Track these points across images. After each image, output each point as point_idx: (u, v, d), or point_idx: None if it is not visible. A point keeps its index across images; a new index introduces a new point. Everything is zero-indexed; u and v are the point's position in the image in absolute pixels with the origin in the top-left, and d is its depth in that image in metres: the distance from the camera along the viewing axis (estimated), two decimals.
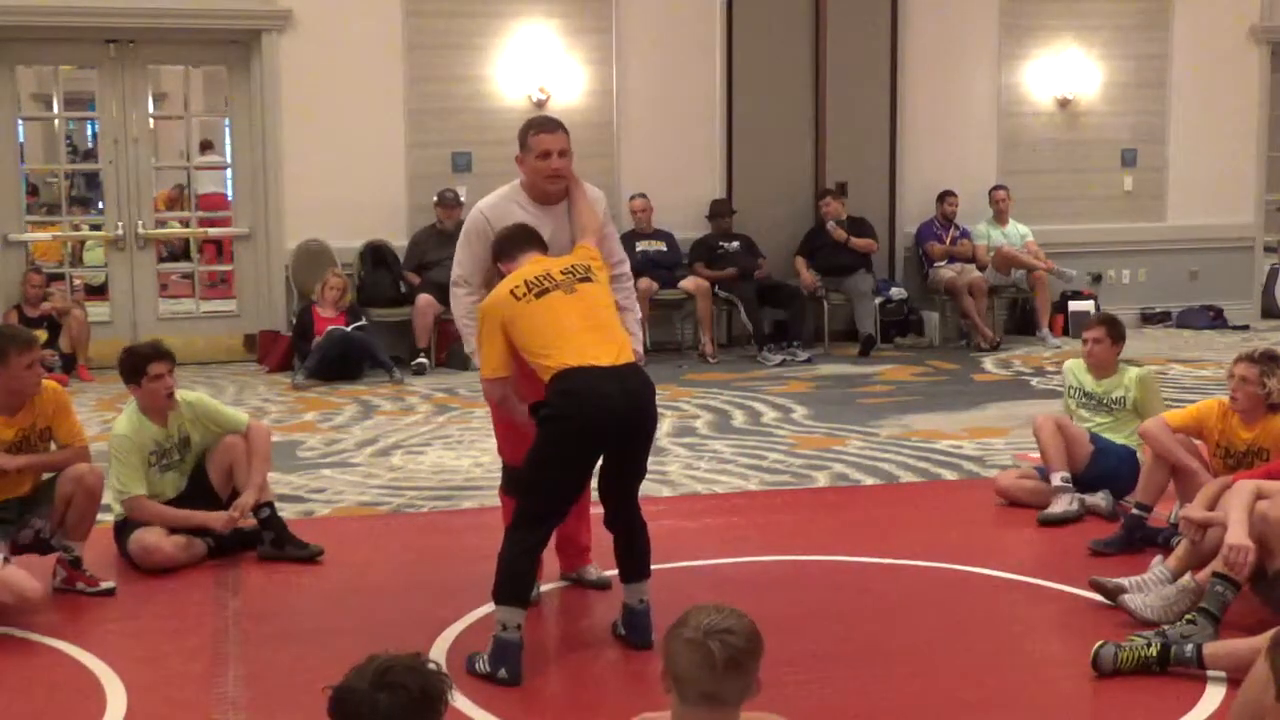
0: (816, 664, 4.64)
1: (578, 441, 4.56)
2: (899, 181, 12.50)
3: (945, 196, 12.33)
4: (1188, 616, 4.70)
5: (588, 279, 4.75)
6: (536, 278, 4.69)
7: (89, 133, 17.45)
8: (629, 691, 4.49)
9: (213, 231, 13.26)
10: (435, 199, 11.20)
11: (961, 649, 4.85)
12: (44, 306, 10.64)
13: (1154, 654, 4.47)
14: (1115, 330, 6.62)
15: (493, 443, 5.65)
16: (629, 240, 10.44)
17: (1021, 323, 12.70)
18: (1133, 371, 6.65)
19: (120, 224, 11.39)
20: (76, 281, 12.54)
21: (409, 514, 6.81)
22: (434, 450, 8.11)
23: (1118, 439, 6.49)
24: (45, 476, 5.63)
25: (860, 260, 11.94)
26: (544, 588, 5.34)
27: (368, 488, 7.26)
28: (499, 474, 5.50)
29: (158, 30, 11.17)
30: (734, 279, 11.57)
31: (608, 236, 5.25)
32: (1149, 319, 13.25)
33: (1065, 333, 12.49)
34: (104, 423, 8.34)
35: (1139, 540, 5.83)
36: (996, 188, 12.54)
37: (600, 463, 4.71)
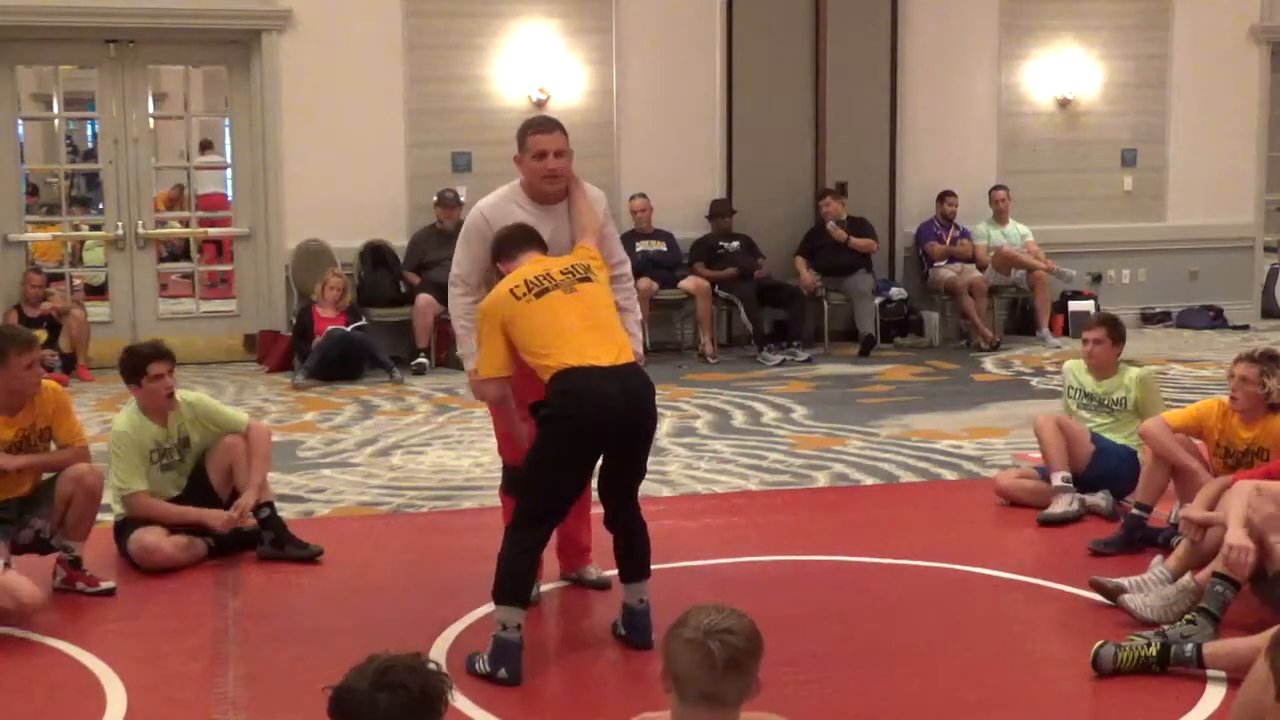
0: (816, 664, 4.64)
1: (577, 441, 4.56)
2: (899, 181, 12.51)
3: (945, 196, 12.34)
4: (1188, 616, 4.70)
5: (588, 279, 4.75)
6: (536, 277, 4.68)
7: (89, 133, 17.45)
8: (629, 691, 4.49)
9: (213, 231, 13.26)
10: (435, 199, 11.20)
11: (961, 649, 4.85)
12: (44, 306, 10.64)
13: (1154, 654, 4.47)
14: (1116, 331, 6.62)
15: (493, 443, 5.65)
16: (629, 240, 10.44)
17: (1021, 323, 12.70)
18: (1133, 372, 6.65)
19: (120, 224, 11.39)
20: (76, 281, 12.54)
21: (409, 514, 6.81)
22: (434, 450, 8.11)
23: (1118, 439, 6.49)
24: (45, 476, 5.62)
25: (860, 260, 11.94)
26: (544, 588, 5.34)
27: (368, 488, 7.26)
28: (499, 474, 5.51)
29: (158, 30, 11.18)
30: (734, 279, 11.57)
31: (608, 237, 5.24)
32: (1149, 319, 13.25)
33: (1065, 333, 12.49)
34: (104, 423, 8.33)
35: (1139, 540, 5.83)
36: (996, 188, 12.54)
37: (600, 463, 4.71)
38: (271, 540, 5.87)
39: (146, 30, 11.15)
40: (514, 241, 4.88)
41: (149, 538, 5.69)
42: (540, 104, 11.42)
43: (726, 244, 11.74)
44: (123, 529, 5.81)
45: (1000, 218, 12.54)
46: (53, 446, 5.63)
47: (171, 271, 13.54)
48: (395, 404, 9.59)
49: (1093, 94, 13.00)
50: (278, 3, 11.16)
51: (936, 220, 12.43)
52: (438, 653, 4.70)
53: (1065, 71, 12.87)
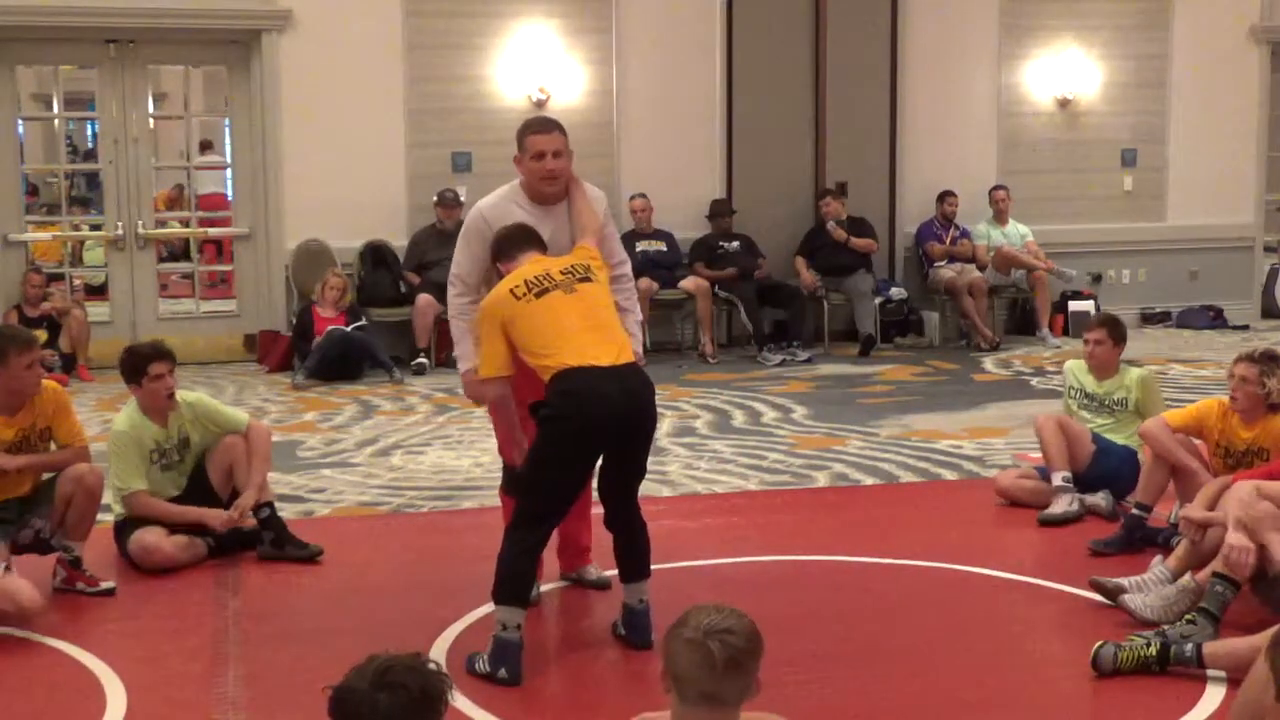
0: (816, 664, 4.64)
1: (577, 441, 4.56)
2: (899, 181, 12.51)
3: (945, 196, 12.34)
4: (1188, 616, 4.70)
5: (587, 279, 4.74)
6: (536, 277, 4.68)
7: (89, 133, 17.45)
8: (629, 691, 4.49)
9: (213, 231, 13.26)
10: (435, 199, 11.20)
11: (961, 649, 4.85)
12: (44, 306, 10.64)
13: (1154, 654, 4.47)
14: (1117, 331, 6.61)
15: (493, 443, 5.66)
16: (629, 240, 10.44)
17: (1021, 323, 12.70)
18: (1134, 373, 6.65)
19: (120, 224, 11.39)
20: (76, 281, 12.54)
21: (409, 514, 6.81)
22: (434, 450, 8.11)
23: (1119, 440, 6.49)
24: (45, 476, 5.62)
25: (860, 260, 11.94)
26: (544, 588, 5.34)
27: (368, 488, 7.26)
28: (499, 474, 5.51)
29: (158, 30, 11.18)
30: (734, 279, 11.57)
31: (608, 237, 5.23)
32: (1149, 319, 13.25)
33: (1065, 333, 12.50)
34: (104, 423, 8.33)
35: (1139, 540, 5.83)
36: (996, 188, 12.54)
37: (600, 462, 4.71)
38: (271, 540, 5.87)
39: (146, 30, 11.15)
40: (514, 241, 4.88)
41: (149, 538, 5.69)
42: (540, 104, 11.42)
43: (726, 244, 11.74)
44: (123, 529, 5.81)
45: (1000, 218, 12.54)
46: (53, 446, 5.63)
47: (171, 271, 13.55)
48: (395, 404, 9.59)
49: (1093, 94, 13.00)
50: (278, 3, 11.16)
51: (936, 220, 12.43)
52: (438, 653, 4.70)
53: (1065, 71, 12.87)
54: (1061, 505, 6.34)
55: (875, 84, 12.34)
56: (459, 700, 3.97)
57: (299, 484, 7.28)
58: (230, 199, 12.73)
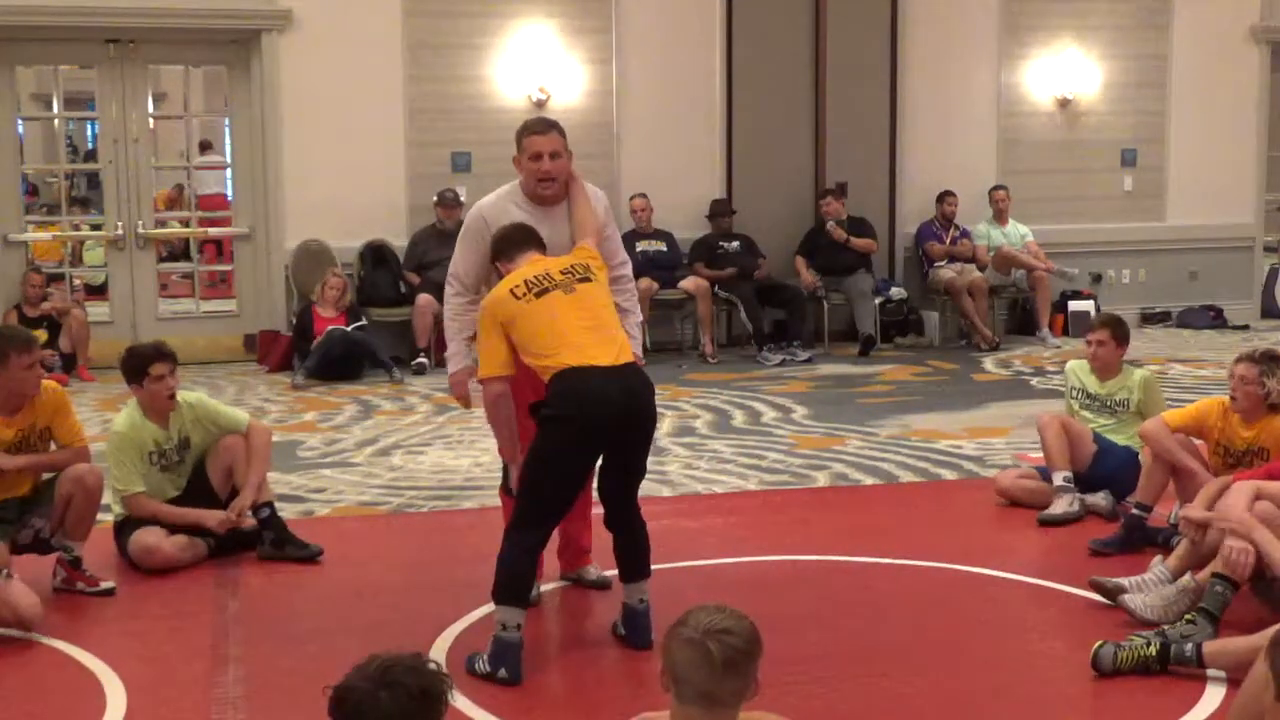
0: (816, 664, 4.64)
1: (578, 441, 4.56)
2: (899, 181, 12.51)
3: (945, 196, 12.34)
4: (1187, 616, 4.70)
5: (587, 279, 4.74)
6: (536, 277, 4.68)
7: (89, 133, 17.46)
8: (629, 691, 4.49)
9: (213, 231, 13.25)
10: (435, 199, 11.20)
11: (961, 649, 4.85)
12: (44, 306, 10.64)
13: (1154, 653, 4.47)
14: (1120, 332, 6.60)
15: (493, 442, 5.64)
16: (629, 240, 10.43)
17: (1021, 323, 12.70)
18: (1137, 374, 6.64)
19: (120, 224, 11.39)
20: (76, 281, 12.54)
21: (409, 514, 6.81)
22: (434, 450, 8.11)
23: (1121, 440, 6.48)
24: (45, 476, 5.62)
25: (860, 260, 11.94)
26: (544, 588, 5.34)
27: (368, 488, 7.26)
28: (499, 474, 5.50)
29: (158, 30, 11.18)
30: (734, 279, 11.57)
31: (609, 238, 5.22)
32: (1149, 319, 13.26)
33: (1065, 333, 12.51)
34: (104, 423, 8.33)
35: (1139, 540, 5.83)
36: (996, 188, 12.54)
37: (600, 463, 4.71)
38: (272, 540, 5.87)
39: (146, 30, 11.15)
40: (513, 241, 4.87)
41: (149, 538, 5.69)
42: (540, 104, 11.43)
43: (726, 244, 11.74)
44: (122, 529, 5.81)
45: (1000, 218, 12.54)
46: (53, 446, 5.63)
47: (171, 271, 13.54)
48: (395, 404, 9.59)
49: (1093, 94, 13.01)
50: (278, 3, 11.16)
51: (936, 220, 12.43)
52: (438, 653, 4.70)
53: (1065, 71, 12.87)
54: (1062, 505, 6.33)
55: (875, 84, 12.34)
56: (459, 700, 3.97)
57: (299, 484, 7.28)
58: (230, 199, 12.74)
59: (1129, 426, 6.45)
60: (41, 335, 9.34)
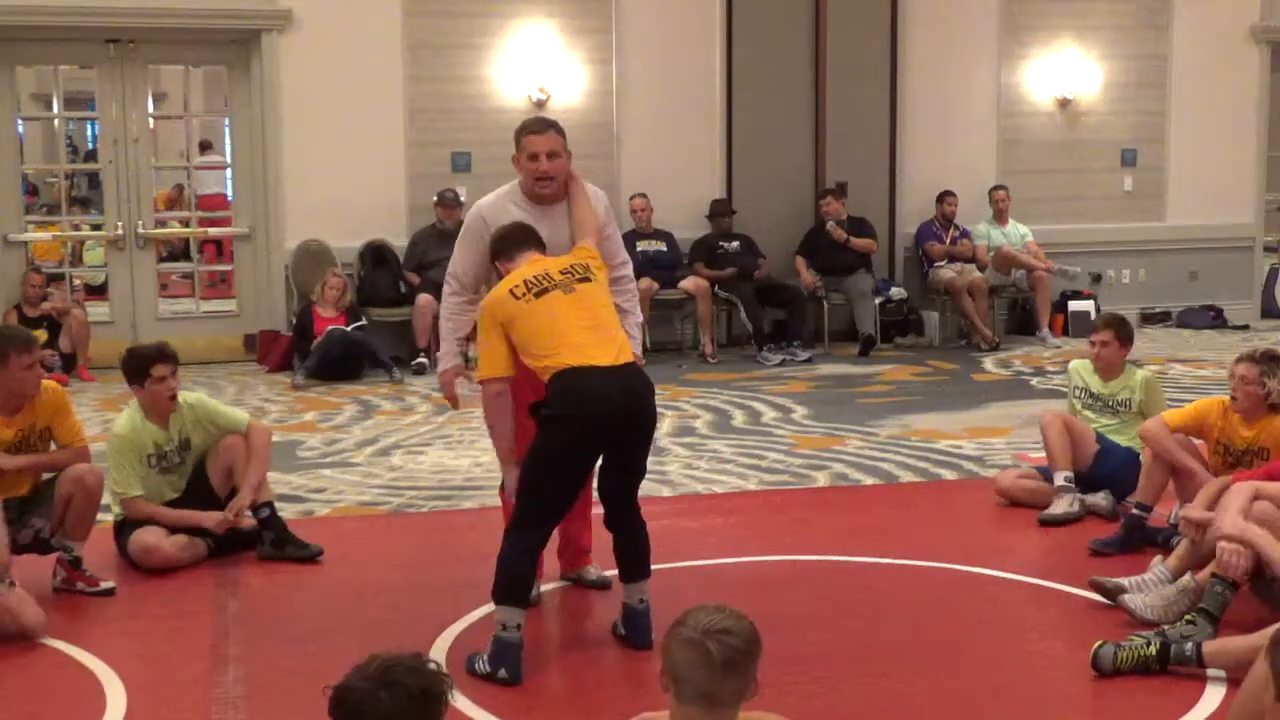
0: (816, 664, 4.64)
1: (577, 441, 4.56)
2: (899, 181, 12.51)
3: (945, 196, 12.34)
4: (1187, 616, 4.70)
5: (587, 279, 4.74)
6: (536, 277, 4.68)
7: (89, 133, 17.46)
8: (629, 691, 4.49)
9: (213, 231, 13.25)
10: (435, 199, 11.20)
11: (961, 649, 4.85)
12: (44, 306, 10.65)
13: (1153, 653, 4.47)
14: (1123, 332, 6.60)
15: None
16: (629, 240, 10.41)
17: (1021, 323, 12.70)
18: (1139, 374, 6.64)
19: (120, 224, 11.39)
20: (76, 281, 12.55)
21: (409, 514, 6.81)
22: (434, 450, 8.11)
23: (1122, 441, 6.48)
24: (45, 476, 5.62)
25: (860, 260, 11.94)
26: (544, 588, 5.34)
27: (368, 488, 7.26)
28: (499, 474, 5.48)
29: (158, 30, 11.18)
30: (734, 279, 11.57)
31: (609, 238, 5.22)
32: (1149, 319, 13.25)
33: (1065, 333, 12.52)
34: (104, 423, 8.34)
35: (1139, 540, 5.83)
36: (996, 188, 12.54)
37: (600, 463, 4.71)
38: (272, 540, 5.87)
39: (146, 30, 11.15)
40: (512, 241, 4.87)
41: (149, 538, 5.69)
42: (540, 104, 11.43)
43: (726, 244, 11.74)
44: (122, 529, 5.81)
45: (1000, 218, 12.54)
46: (52, 446, 5.63)
47: (171, 271, 13.54)
48: (395, 404, 9.59)
49: (1093, 94, 13.01)
50: (278, 3, 11.16)
51: (936, 220, 12.43)
52: (438, 653, 4.70)
53: (1065, 71, 12.87)
54: (1062, 505, 6.33)
55: (875, 84, 12.34)
56: (459, 700, 3.97)
57: (299, 484, 7.28)
58: (230, 199, 12.74)
59: (1131, 427, 6.44)
60: (41, 335, 9.34)
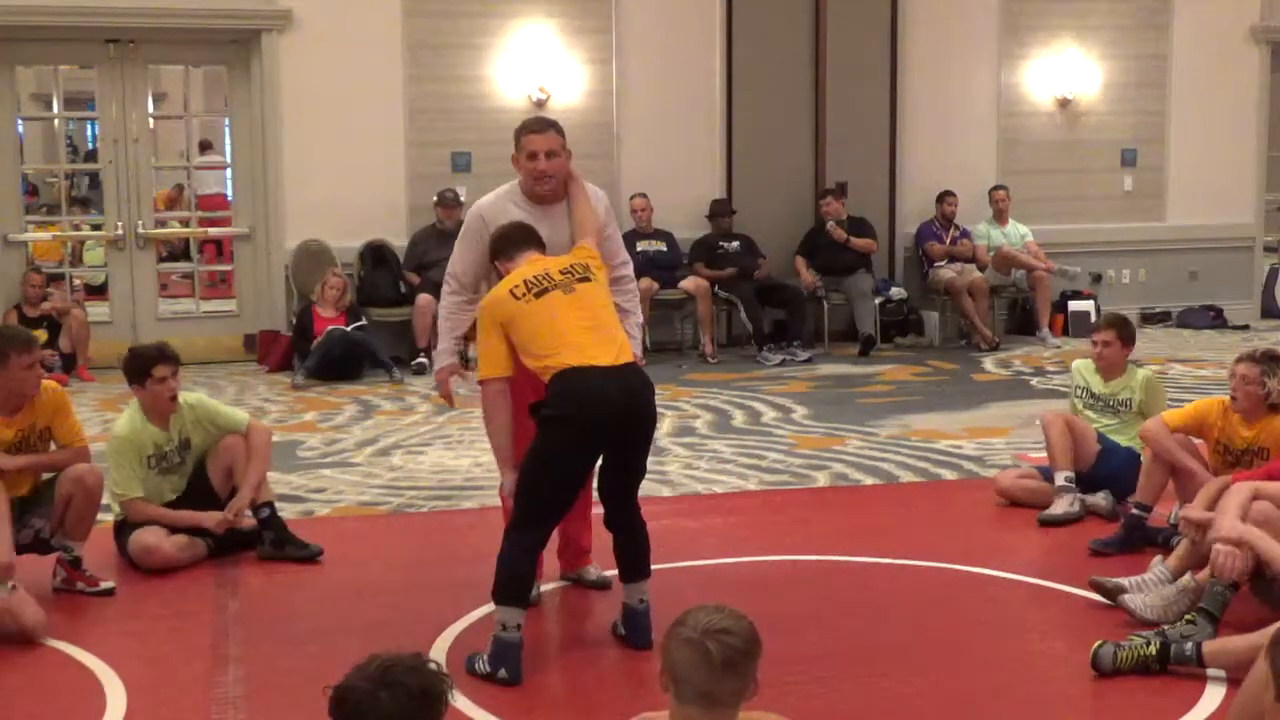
0: (816, 664, 4.64)
1: (577, 441, 4.56)
2: (899, 181, 12.51)
3: (945, 196, 12.34)
4: (1187, 616, 4.70)
5: (587, 278, 4.74)
6: (535, 277, 4.68)
7: (89, 133, 17.46)
8: (629, 691, 4.49)
9: (213, 231, 13.25)
10: (435, 199, 11.20)
11: (961, 649, 4.85)
12: (44, 306, 10.64)
13: (1153, 653, 4.47)
14: (1125, 332, 6.60)
15: None
16: (629, 240, 10.40)
17: (1021, 323, 12.70)
18: (1140, 374, 6.64)
19: (120, 224, 11.39)
20: (76, 281, 12.55)
21: (409, 514, 6.81)
22: (434, 450, 8.11)
23: (1124, 441, 6.47)
24: (45, 476, 5.62)
25: (860, 260, 11.94)
26: (544, 588, 5.34)
27: (368, 488, 7.26)
28: (499, 473, 5.50)
29: (158, 30, 11.18)
30: (734, 279, 11.57)
31: (609, 238, 5.22)
32: (1149, 319, 13.25)
33: (1065, 333, 12.52)
34: (104, 423, 8.34)
35: (1139, 540, 5.83)
36: (996, 188, 12.54)
37: (600, 463, 4.71)
38: (272, 540, 5.87)
39: (146, 30, 11.15)
40: (512, 241, 4.87)
41: (149, 538, 5.69)
42: (540, 104, 11.43)
43: (726, 244, 11.74)
44: (122, 529, 5.81)
45: (1000, 218, 12.54)
46: (52, 447, 5.63)
47: (171, 271, 13.54)
48: (395, 404, 9.59)
49: (1093, 94, 13.01)
50: (278, 3, 11.16)
51: (936, 220, 12.43)
52: (438, 653, 4.70)
53: (1065, 71, 12.87)
54: (1062, 505, 6.33)
55: (875, 84, 12.34)
56: (459, 700, 3.97)
57: (299, 484, 7.28)
58: (230, 199, 12.74)
59: (1131, 427, 6.43)
60: (41, 335, 9.34)
